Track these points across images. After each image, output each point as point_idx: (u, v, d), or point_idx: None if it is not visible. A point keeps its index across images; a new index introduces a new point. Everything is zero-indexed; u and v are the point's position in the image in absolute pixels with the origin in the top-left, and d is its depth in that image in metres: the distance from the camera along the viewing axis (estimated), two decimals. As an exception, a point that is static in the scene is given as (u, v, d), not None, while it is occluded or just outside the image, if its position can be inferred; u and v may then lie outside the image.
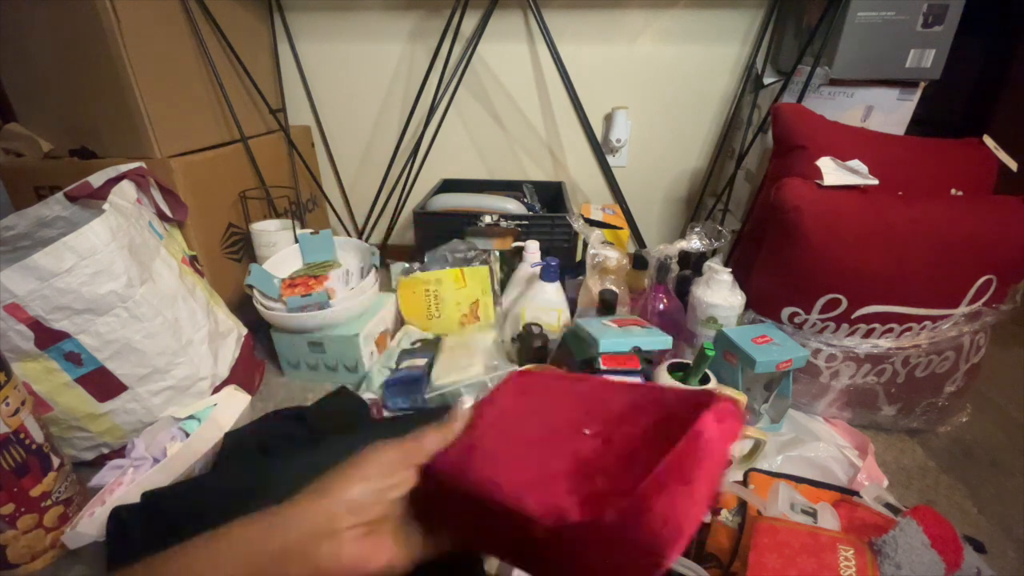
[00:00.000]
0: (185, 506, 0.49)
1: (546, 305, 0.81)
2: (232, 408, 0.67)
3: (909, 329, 0.66)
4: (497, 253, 0.91)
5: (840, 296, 0.66)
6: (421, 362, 0.77)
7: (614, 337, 0.56)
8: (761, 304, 0.73)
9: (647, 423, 0.24)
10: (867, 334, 0.67)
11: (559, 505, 0.22)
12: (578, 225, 0.81)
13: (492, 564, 0.45)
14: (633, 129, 1.19)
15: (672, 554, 0.20)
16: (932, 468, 0.68)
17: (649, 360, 0.57)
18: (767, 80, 1.01)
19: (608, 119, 1.19)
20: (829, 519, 0.40)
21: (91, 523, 0.53)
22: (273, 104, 1.09)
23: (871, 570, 0.34)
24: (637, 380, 0.55)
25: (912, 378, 0.69)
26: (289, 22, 1.13)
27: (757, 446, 0.63)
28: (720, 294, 0.73)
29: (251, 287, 0.83)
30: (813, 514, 0.41)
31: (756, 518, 0.41)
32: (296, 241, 0.93)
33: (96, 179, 0.69)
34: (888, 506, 0.43)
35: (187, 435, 0.64)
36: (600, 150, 1.20)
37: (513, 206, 1.01)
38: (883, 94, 0.88)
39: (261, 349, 0.90)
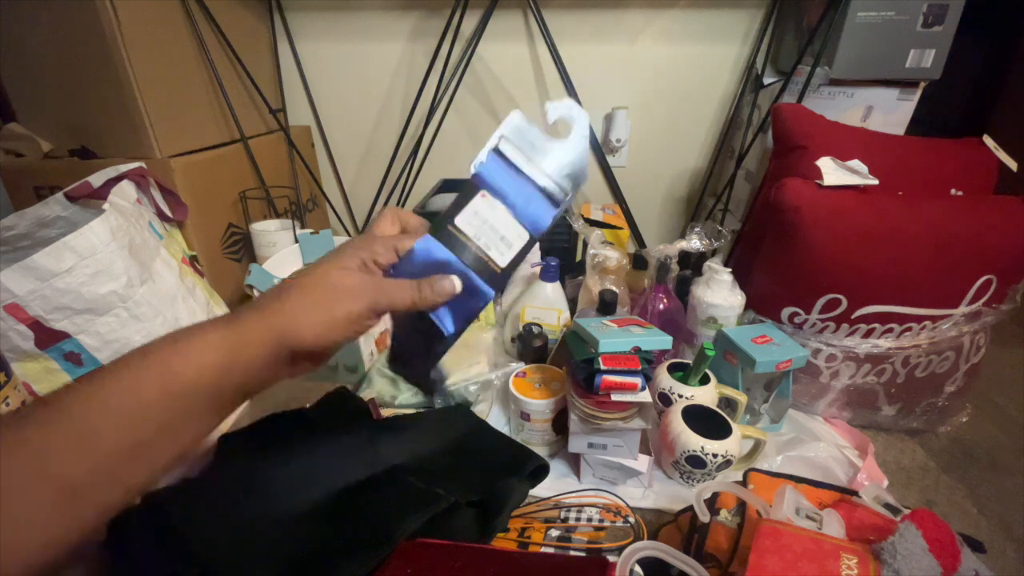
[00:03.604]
0: (185, 506, 0.49)
1: (546, 305, 0.81)
2: (231, 408, 0.67)
3: (909, 329, 0.66)
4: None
5: (840, 296, 0.66)
6: None
7: (614, 337, 0.56)
8: (761, 304, 0.73)
9: None
10: (867, 334, 0.67)
11: None
12: (578, 225, 0.81)
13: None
14: (633, 129, 1.19)
15: None
16: (932, 468, 0.68)
17: (649, 360, 0.56)
18: (767, 80, 1.01)
19: (608, 119, 1.19)
20: (834, 526, 0.40)
21: (91, 523, 0.53)
22: (273, 104, 1.09)
23: (875, 579, 0.33)
24: (637, 381, 0.55)
25: (912, 378, 0.69)
26: (289, 22, 1.13)
27: (757, 446, 0.63)
28: (720, 294, 0.73)
29: (251, 287, 0.83)
30: (818, 520, 0.41)
31: (757, 519, 0.41)
32: (296, 241, 0.93)
33: (96, 179, 0.69)
34: (888, 506, 0.43)
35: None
36: (600, 150, 1.20)
37: (513, 206, 1.01)
38: (883, 94, 0.88)
39: (261, 349, 0.90)
